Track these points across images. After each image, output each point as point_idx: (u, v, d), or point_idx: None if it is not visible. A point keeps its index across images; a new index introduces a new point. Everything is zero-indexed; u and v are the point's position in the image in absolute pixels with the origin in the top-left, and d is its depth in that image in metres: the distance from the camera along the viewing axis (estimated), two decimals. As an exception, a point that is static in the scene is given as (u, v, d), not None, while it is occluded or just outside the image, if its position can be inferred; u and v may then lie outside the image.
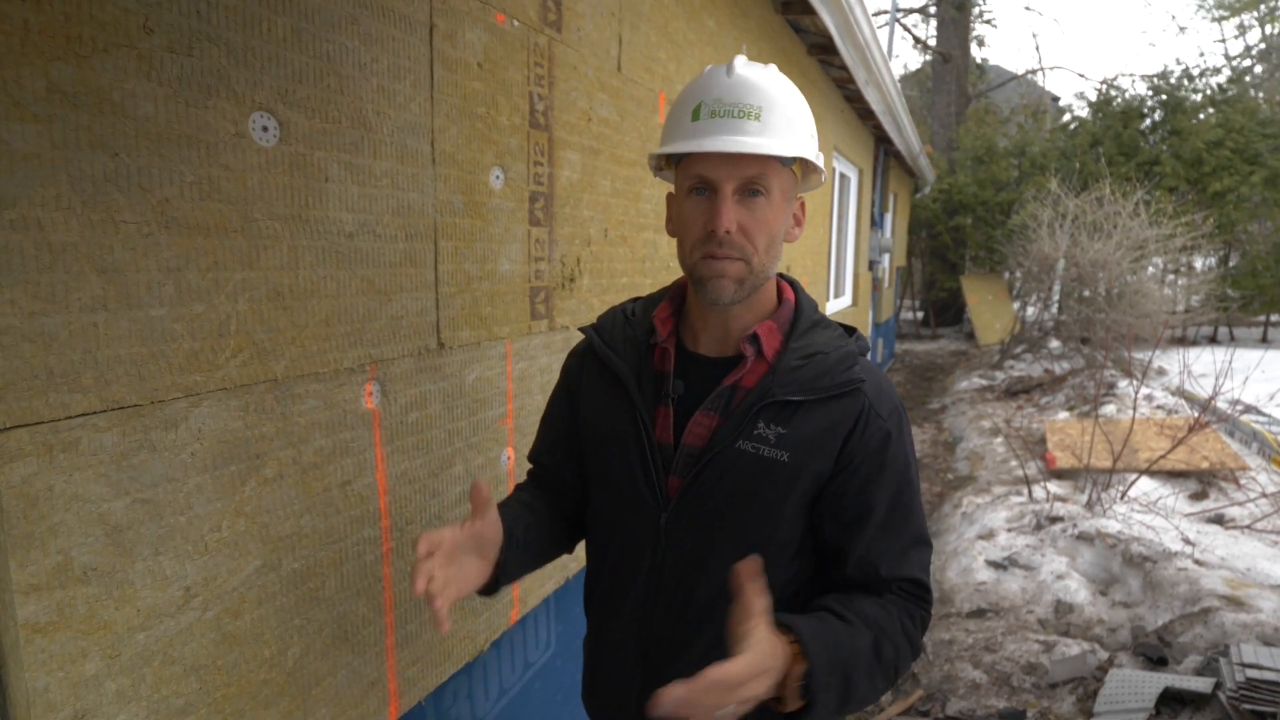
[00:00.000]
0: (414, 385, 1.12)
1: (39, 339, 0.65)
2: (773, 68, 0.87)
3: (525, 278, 1.39)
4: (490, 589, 0.87)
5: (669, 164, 0.91)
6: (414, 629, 1.15)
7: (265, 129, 0.85)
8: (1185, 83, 9.93)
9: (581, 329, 0.98)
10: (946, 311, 11.98)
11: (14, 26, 0.63)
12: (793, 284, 0.95)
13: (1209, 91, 9.91)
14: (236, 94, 0.81)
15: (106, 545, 0.71)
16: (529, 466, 1.08)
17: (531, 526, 0.95)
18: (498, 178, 1.28)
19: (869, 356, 0.92)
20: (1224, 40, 20.35)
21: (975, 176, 11.08)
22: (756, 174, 0.82)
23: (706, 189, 0.83)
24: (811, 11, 3.02)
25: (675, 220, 0.90)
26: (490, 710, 1.42)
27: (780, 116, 0.82)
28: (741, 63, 0.85)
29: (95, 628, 0.70)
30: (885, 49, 4.21)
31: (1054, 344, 8.09)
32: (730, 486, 0.85)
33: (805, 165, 0.89)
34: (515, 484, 1.13)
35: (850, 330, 0.92)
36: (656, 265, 1.97)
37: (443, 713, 1.27)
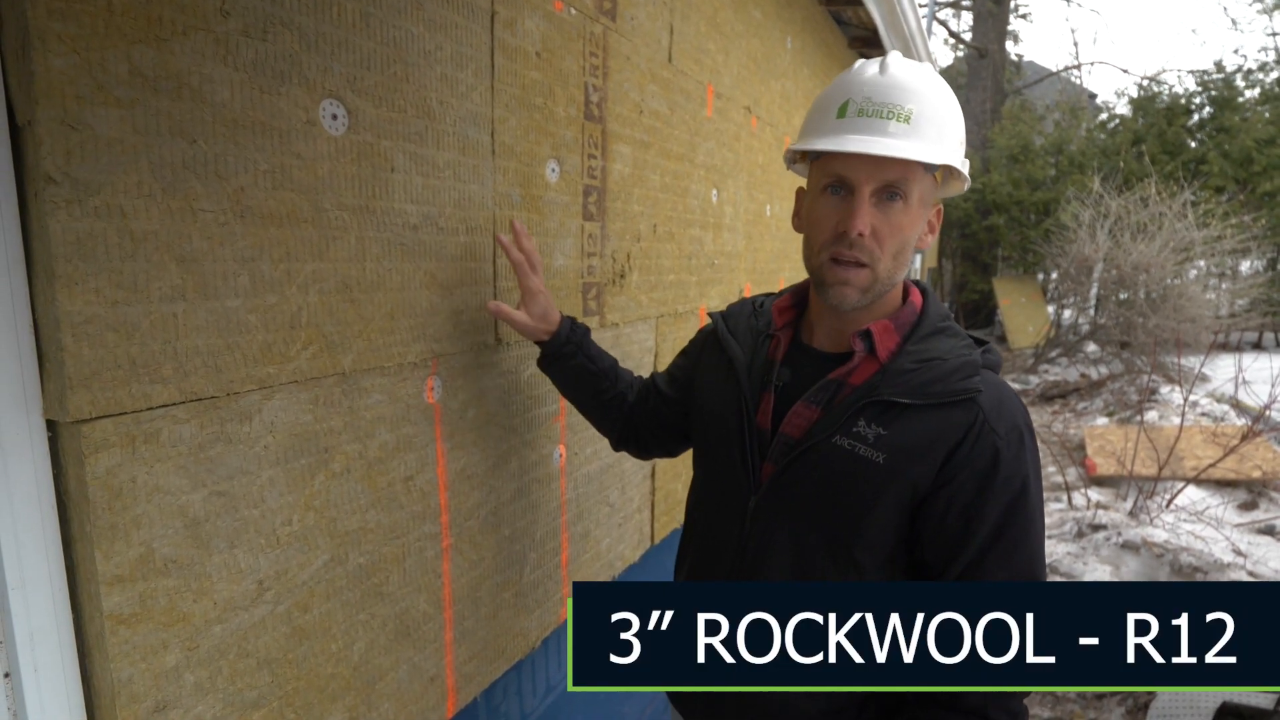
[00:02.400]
0: (473, 381, 1.10)
1: (122, 328, 0.64)
2: (927, 66, 0.83)
3: (578, 273, 1.37)
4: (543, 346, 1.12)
5: (803, 158, 0.89)
6: (470, 625, 1.14)
7: (335, 117, 0.84)
8: (1241, 78, 9.54)
9: (710, 313, 1.03)
10: (977, 314, 11.71)
11: (98, 8, 0.62)
12: (924, 290, 0.91)
13: (1265, 87, 9.51)
14: (308, 80, 0.80)
15: (185, 537, 0.70)
16: (651, 376, 1.20)
17: (603, 390, 1.14)
18: (553, 170, 1.26)
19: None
20: (1275, 34, 19.35)
21: (1010, 175, 10.76)
22: (897, 178, 0.79)
23: (842, 188, 0.81)
24: (856, 3, 2.96)
25: (804, 217, 0.88)
26: (538, 706, 1.41)
27: (930, 121, 0.79)
28: (896, 59, 0.82)
29: (175, 619, 0.69)
30: (928, 42, 4.10)
31: (1091, 348, 7.86)
32: (821, 480, 0.83)
33: (948, 171, 0.85)
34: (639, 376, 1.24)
35: (981, 342, 0.87)
36: (701, 263, 1.94)
37: (494, 708, 1.26)
